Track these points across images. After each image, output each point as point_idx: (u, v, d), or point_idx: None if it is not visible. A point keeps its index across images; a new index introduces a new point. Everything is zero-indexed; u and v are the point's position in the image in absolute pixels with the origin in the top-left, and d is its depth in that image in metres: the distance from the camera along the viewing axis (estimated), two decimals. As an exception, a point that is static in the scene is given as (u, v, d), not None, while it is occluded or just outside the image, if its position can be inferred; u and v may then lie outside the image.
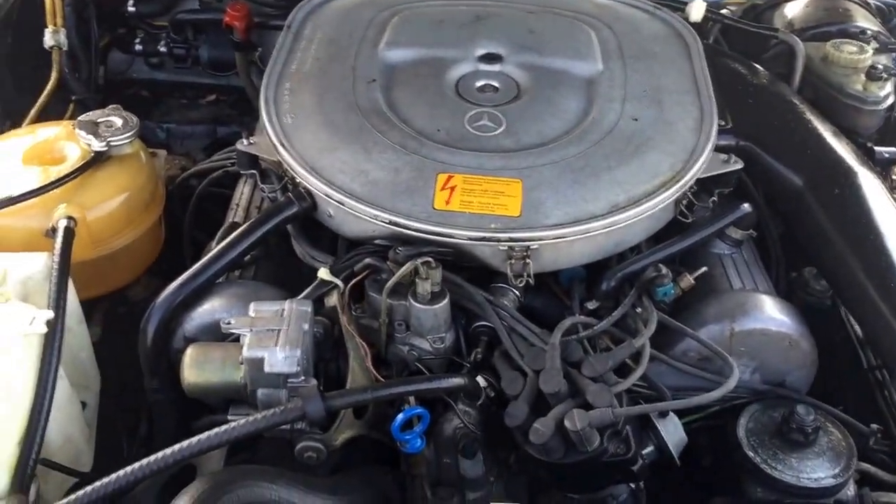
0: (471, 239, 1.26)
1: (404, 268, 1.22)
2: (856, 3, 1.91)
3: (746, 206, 1.40)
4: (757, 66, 1.69)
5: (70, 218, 1.32)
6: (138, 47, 2.18)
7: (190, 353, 1.21)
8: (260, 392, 1.17)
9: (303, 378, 1.17)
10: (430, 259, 1.23)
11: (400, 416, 1.13)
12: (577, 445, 1.13)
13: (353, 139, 1.39)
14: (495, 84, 1.52)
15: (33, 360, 1.15)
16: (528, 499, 1.25)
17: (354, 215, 1.30)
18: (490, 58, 1.56)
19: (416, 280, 1.23)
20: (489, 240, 1.26)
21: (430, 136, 1.40)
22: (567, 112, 1.46)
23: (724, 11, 1.88)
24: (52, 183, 1.36)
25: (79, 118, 1.47)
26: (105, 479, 1.02)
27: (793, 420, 1.23)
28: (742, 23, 1.82)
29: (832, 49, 1.69)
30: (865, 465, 1.29)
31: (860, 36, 1.75)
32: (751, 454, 1.23)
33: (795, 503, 1.21)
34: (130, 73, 2.26)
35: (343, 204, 1.30)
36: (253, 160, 1.47)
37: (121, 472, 1.03)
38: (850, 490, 1.23)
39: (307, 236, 1.40)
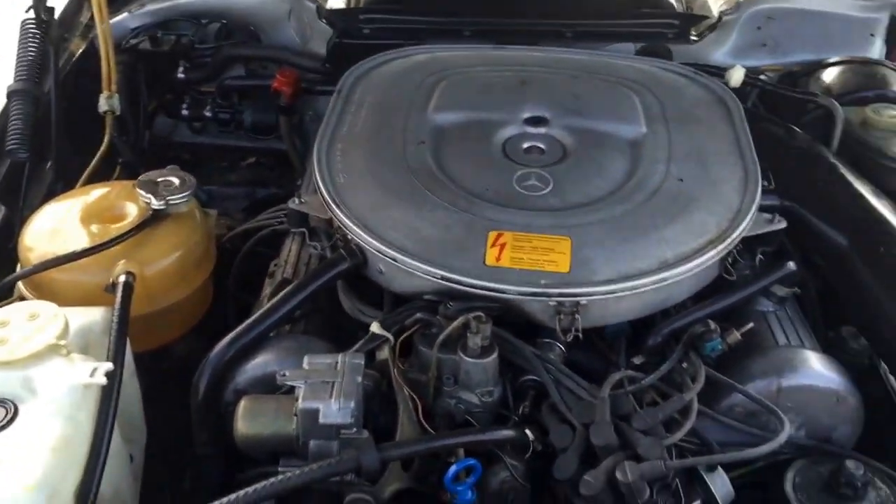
0: (521, 294, 1.28)
1: (456, 322, 1.24)
2: (891, 69, 1.94)
3: (791, 265, 1.41)
4: (796, 129, 1.71)
5: (129, 273, 1.35)
6: (185, 112, 2.24)
7: (244, 405, 1.22)
8: (312, 444, 1.17)
9: (355, 430, 1.17)
10: (481, 314, 1.24)
11: (453, 468, 1.13)
12: (626, 498, 1.13)
13: (405, 198, 1.42)
14: (541, 146, 1.56)
15: (91, 411, 1.16)
16: None
17: (406, 271, 1.32)
18: (536, 120, 1.60)
19: (468, 334, 1.24)
20: (539, 295, 1.28)
21: (479, 195, 1.43)
22: (613, 172, 1.49)
23: (761, 77, 1.92)
24: (114, 239, 1.39)
25: (139, 178, 1.52)
26: None
27: (842, 475, 1.22)
28: (783, 88, 1.86)
29: (872, 113, 1.71)
30: None
31: (897, 100, 1.77)
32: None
33: None
34: (173, 137, 2.32)
35: (395, 260, 1.33)
36: (303, 218, 1.51)
37: None
38: None
39: (355, 292, 1.42)
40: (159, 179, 1.50)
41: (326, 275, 1.38)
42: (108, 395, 1.18)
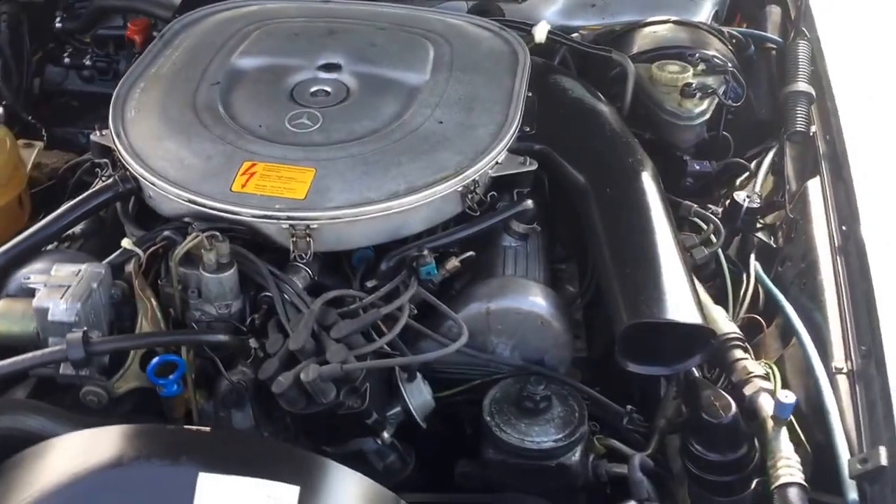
0: (255, 217, 1.41)
1: (188, 238, 1.38)
2: (707, 31, 2.03)
3: (528, 203, 1.53)
4: (583, 83, 1.82)
5: None
6: (67, 60, 2.39)
7: (-3, 306, 1.37)
8: (50, 341, 1.32)
9: (84, 329, 1.31)
10: (216, 233, 1.38)
11: (154, 361, 1.27)
12: (314, 397, 1.26)
13: (180, 131, 1.56)
14: (328, 89, 1.68)
15: None
16: None
17: (165, 196, 1.47)
18: (329, 67, 1.73)
19: (203, 251, 1.38)
20: (271, 218, 1.41)
21: (250, 130, 1.57)
22: (383, 115, 1.61)
23: (574, 35, 2.02)
24: None
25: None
26: None
27: (526, 390, 1.35)
28: (579, 44, 1.96)
29: (656, 69, 1.82)
30: (613, 441, 1.39)
31: (688, 57, 1.87)
32: (488, 419, 1.35)
33: (519, 462, 1.32)
34: (65, 85, 2.47)
35: (155, 185, 1.47)
36: (106, 150, 1.65)
37: None
38: (576, 456, 1.34)
39: (135, 217, 1.56)
40: (-35, 108, 1.66)
41: (99, 197, 1.52)
42: None
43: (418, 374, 1.39)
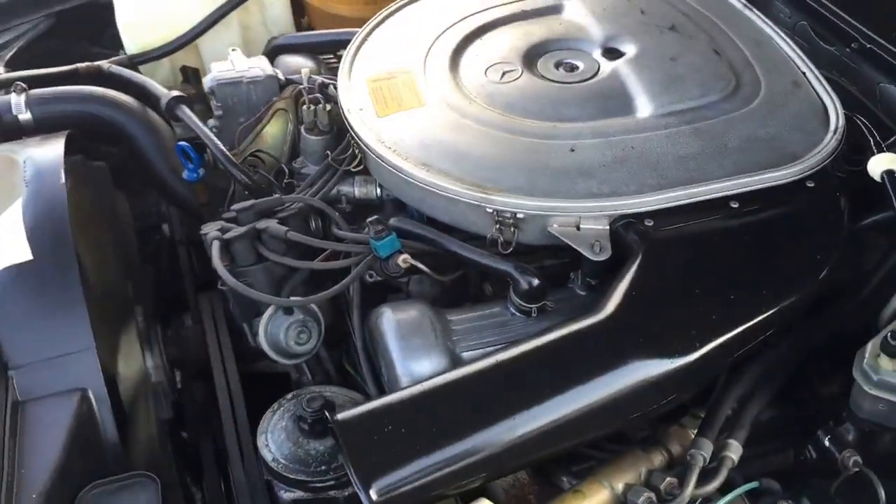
0: (343, 106, 1.45)
1: (294, 92, 1.55)
2: None
3: (532, 280, 1.22)
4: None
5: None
6: None
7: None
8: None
9: (219, 105, 1.62)
10: (317, 96, 1.50)
11: (180, 143, 1.51)
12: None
13: (418, 32, 1.59)
14: (580, 66, 1.50)
15: None
16: None
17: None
18: (612, 52, 1.52)
19: (303, 108, 1.51)
20: (346, 113, 1.44)
21: (462, 54, 1.53)
22: (555, 111, 1.40)
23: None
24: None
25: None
26: None
27: (303, 401, 1.21)
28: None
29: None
30: None
31: None
32: (290, 395, 1.28)
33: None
34: None
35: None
36: None
37: None
38: (288, 496, 1.20)
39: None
40: None
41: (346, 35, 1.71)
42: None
43: (299, 316, 1.33)
